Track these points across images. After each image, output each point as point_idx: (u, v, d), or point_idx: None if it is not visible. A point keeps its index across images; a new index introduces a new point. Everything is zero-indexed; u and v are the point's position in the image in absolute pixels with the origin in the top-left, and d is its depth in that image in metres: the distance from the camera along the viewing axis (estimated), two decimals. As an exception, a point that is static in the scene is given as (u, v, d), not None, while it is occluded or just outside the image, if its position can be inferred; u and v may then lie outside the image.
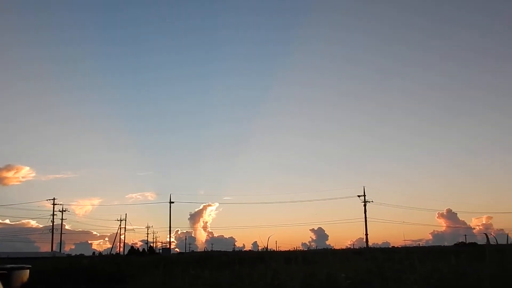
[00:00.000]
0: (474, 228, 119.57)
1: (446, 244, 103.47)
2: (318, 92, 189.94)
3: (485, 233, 9.32)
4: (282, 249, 67.29)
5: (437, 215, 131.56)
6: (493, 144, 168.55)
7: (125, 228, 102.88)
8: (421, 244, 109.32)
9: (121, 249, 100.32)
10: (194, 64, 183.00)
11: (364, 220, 78.41)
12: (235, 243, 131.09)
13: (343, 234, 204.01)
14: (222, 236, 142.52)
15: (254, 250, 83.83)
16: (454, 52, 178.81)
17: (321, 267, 12.84)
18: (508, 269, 9.15)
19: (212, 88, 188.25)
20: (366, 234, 77.05)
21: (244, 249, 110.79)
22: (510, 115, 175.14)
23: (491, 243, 10.08)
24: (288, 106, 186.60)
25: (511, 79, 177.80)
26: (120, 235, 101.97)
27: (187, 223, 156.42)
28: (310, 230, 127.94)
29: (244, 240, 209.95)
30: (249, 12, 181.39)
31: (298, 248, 53.71)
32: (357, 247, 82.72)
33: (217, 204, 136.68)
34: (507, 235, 11.22)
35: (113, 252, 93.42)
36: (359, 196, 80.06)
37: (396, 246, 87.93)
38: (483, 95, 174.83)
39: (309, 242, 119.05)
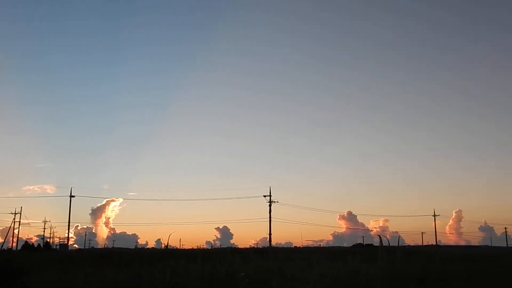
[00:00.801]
0: (371, 230, 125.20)
1: (345, 244, 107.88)
2: (227, 92, 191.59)
3: (378, 235, 9.77)
4: (186, 247, 66.96)
5: (338, 217, 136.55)
6: (390, 151, 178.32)
7: (19, 222, 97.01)
8: (322, 244, 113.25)
9: (14, 244, 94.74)
10: (102, 63, 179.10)
11: (268, 220, 79.64)
12: (138, 240, 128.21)
13: (247, 234, 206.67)
14: (125, 232, 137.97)
15: (158, 247, 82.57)
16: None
17: (222, 266, 12.81)
18: (397, 269, 9.61)
19: (121, 84, 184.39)
20: (270, 234, 78.32)
21: (147, 247, 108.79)
22: (404, 122, 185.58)
23: (384, 244, 10.54)
24: (197, 105, 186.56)
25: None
26: (13, 229, 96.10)
27: (88, 218, 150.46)
28: (215, 228, 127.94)
29: (148, 237, 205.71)
30: (157, 11, 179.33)
31: (202, 247, 53.71)
32: (260, 247, 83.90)
33: (121, 200, 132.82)
34: (399, 237, 11.87)
35: (5, 247, 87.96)
36: (264, 196, 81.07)
37: (298, 246, 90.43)
38: (382, 98, 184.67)
39: (214, 240, 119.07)
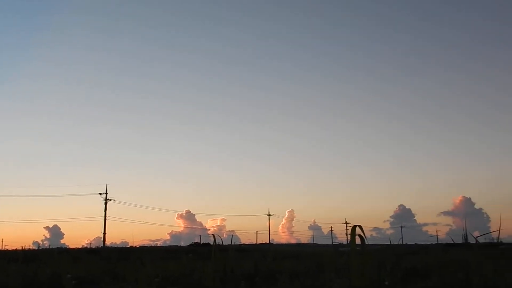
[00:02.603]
0: (209, 229, 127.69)
1: (182, 244, 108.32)
2: (56, 86, 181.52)
3: (213, 234, 9.92)
4: (9, 248, 61.72)
5: (176, 216, 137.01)
6: (228, 151, 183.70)
7: None
8: (159, 244, 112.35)
9: None
10: None
11: (103, 218, 76.96)
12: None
13: (80, 233, 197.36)
14: None
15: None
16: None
17: (47, 267, 11.99)
18: (229, 267, 9.83)
19: None
20: (104, 233, 75.80)
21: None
22: (244, 122, 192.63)
23: (217, 243, 10.70)
24: (27, 100, 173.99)
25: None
26: None
27: None
28: (44, 227, 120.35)
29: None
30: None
31: (28, 247, 49.93)
32: (94, 246, 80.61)
33: None
34: (232, 235, 12.20)
35: None
36: (100, 193, 78.21)
37: (134, 246, 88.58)
38: (223, 96, 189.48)
39: (42, 240, 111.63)
